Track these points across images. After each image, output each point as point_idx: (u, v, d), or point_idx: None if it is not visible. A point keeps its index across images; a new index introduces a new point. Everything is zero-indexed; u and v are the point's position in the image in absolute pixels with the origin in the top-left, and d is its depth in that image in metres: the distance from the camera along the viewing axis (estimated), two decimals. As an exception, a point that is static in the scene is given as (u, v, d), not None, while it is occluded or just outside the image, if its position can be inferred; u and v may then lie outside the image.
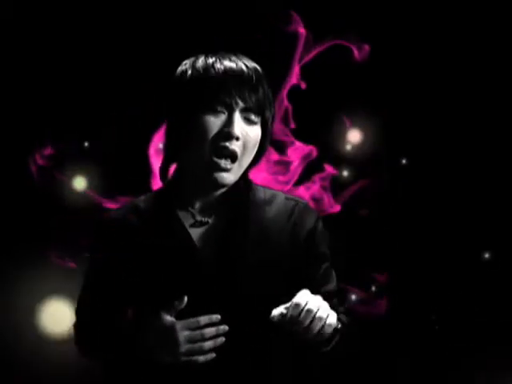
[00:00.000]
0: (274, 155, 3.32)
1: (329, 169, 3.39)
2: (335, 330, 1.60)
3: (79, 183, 3.45)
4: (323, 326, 1.56)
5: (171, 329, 1.61)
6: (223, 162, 1.66)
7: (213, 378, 1.67)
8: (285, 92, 3.38)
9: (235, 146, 1.66)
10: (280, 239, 1.73)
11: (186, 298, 1.62)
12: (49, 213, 3.38)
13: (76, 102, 3.42)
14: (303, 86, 3.37)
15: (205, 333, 1.61)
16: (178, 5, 3.39)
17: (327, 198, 3.38)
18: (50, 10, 3.38)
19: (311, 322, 1.54)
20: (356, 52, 3.35)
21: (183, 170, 1.76)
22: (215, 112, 1.65)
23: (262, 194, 1.80)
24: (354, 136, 3.52)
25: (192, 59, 1.72)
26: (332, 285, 1.79)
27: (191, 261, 1.70)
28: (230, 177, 1.68)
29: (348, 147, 3.51)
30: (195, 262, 1.70)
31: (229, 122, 1.65)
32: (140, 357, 1.65)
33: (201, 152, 1.66)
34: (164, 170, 1.78)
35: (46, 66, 3.41)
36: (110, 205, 3.33)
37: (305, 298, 1.56)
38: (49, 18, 3.39)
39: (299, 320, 1.54)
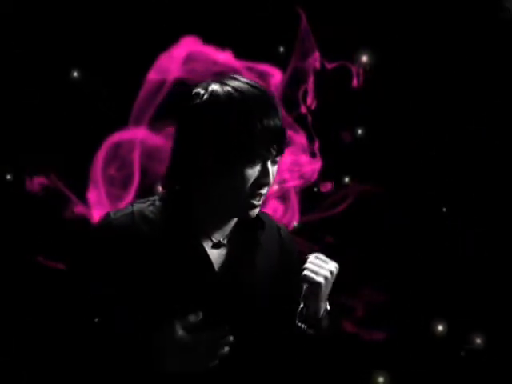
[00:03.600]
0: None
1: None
2: (325, 312, 1.81)
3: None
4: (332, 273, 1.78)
5: (190, 344, 1.65)
6: (257, 202, 1.75)
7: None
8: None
9: (266, 190, 1.77)
10: (274, 260, 1.88)
11: (201, 314, 1.67)
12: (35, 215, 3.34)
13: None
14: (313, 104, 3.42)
15: (220, 344, 1.67)
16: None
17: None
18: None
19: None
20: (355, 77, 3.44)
21: (201, 197, 1.77)
22: (253, 163, 1.71)
23: (261, 217, 1.87)
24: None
25: (234, 99, 1.70)
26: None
27: (208, 281, 1.76)
28: (256, 212, 1.78)
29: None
30: (212, 283, 1.76)
31: (265, 172, 1.73)
32: (153, 370, 1.66)
33: (238, 197, 1.73)
34: (182, 191, 1.79)
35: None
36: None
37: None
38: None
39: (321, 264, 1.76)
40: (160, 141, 3.13)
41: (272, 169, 1.75)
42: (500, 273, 3.47)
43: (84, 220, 3.31)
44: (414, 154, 3.51)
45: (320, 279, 1.74)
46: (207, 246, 1.79)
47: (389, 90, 3.51)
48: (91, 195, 3.26)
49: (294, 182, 3.40)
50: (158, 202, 1.80)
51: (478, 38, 3.40)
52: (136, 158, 3.18)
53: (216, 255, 1.80)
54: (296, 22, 3.35)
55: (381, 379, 3.35)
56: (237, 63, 3.10)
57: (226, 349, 1.68)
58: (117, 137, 3.24)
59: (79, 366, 1.72)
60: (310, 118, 3.40)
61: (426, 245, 3.49)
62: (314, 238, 3.46)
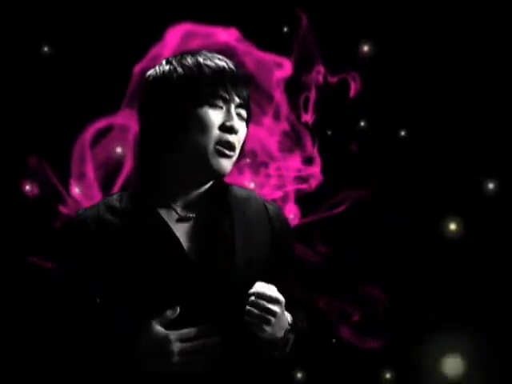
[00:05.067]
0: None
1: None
2: (286, 333, 1.66)
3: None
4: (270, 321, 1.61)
5: (164, 340, 1.59)
6: (226, 150, 1.68)
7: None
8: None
9: (234, 139, 1.70)
10: (261, 239, 1.75)
11: (178, 309, 1.61)
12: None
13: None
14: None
15: (196, 344, 1.60)
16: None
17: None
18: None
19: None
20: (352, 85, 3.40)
21: (163, 168, 1.73)
22: (214, 106, 1.68)
23: (238, 192, 1.80)
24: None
25: (176, 58, 1.73)
26: (297, 290, 1.81)
27: (177, 258, 1.67)
28: (228, 166, 1.70)
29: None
30: (181, 259, 1.67)
31: (229, 116, 1.69)
32: (127, 365, 1.61)
33: (203, 145, 1.67)
34: (143, 168, 1.76)
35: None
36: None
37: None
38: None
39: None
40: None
41: (239, 122, 1.70)
42: (499, 273, 3.44)
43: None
44: (413, 153, 3.50)
45: (263, 326, 1.61)
46: (173, 221, 1.71)
47: (388, 90, 3.50)
48: (74, 191, 3.19)
49: (293, 186, 3.37)
50: (125, 192, 1.77)
51: (479, 38, 3.40)
52: (129, 146, 3.10)
53: (184, 231, 1.70)
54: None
55: (387, 375, 3.31)
56: (240, 46, 3.05)
57: (211, 350, 1.61)
58: (100, 124, 3.16)
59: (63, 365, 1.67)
60: (310, 122, 3.38)
61: (426, 245, 3.46)
62: (310, 239, 3.43)
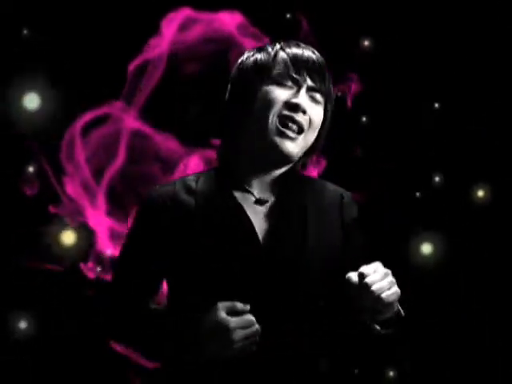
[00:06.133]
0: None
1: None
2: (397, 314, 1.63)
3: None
4: (394, 294, 1.57)
5: (226, 327, 1.56)
6: (289, 132, 1.67)
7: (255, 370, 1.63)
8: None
9: (302, 118, 1.67)
10: (333, 229, 1.73)
11: (248, 307, 1.58)
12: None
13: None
14: None
15: (258, 329, 1.58)
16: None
17: None
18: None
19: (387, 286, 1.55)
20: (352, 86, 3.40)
21: (241, 148, 1.74)
22: (282, 85, 1.68)
23: (315, 181, 1.81)
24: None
25: (265, 45, 1.76)
26: None
27: (249, 241, 1.66)
28: (295, 148, 1.68)
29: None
30: (253, 243, 1.66)
31: (296, 94, 1.67)
32: (185, 352, 1.60)
33: (266, 121, 1.66)
34: (224, 149, 1.77)
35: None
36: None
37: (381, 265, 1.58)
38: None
39: (378, 280, 1.54)
40: (149, 129, 3.03)
41: (310, 103, 1.68)
42: (499, 272, 3.45)
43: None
44: (413, 154, 3.49)
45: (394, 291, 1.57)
46: (248, 204, 1.70)
47: (388, 91, 3.50)
48: (69, 188, 3.15)
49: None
50: (202, 173, 1.78)
51: (479, 39, 3.41)
52: (123, 141, 3.05)
53: (258, 214, 1.70)
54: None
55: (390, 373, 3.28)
56: (242, 36, 3.03)
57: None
58: (88, 116, 3.12)
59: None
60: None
61: (426, 245, 3.44)
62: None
